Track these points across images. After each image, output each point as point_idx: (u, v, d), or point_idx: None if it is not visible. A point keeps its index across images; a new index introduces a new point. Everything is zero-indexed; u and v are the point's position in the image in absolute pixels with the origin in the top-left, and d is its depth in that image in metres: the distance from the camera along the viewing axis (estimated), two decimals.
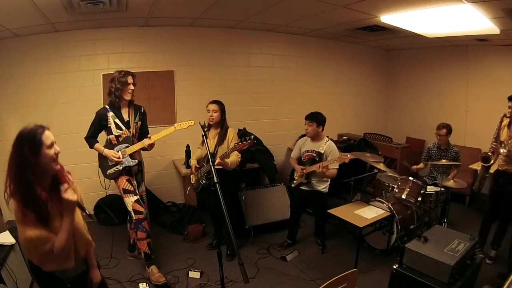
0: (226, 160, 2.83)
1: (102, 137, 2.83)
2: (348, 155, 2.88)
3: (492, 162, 2.91)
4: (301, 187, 3.24)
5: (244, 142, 2.65)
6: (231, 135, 3.05)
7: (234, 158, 2.94)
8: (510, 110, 2.81)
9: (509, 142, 2.77)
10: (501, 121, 2.92)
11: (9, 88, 3.59)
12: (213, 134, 3.07)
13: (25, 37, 3.51)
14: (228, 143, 3.00)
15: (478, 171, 3.22)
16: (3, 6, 2.57)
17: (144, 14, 3.40)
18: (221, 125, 3.06)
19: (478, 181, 3.15)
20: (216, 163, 2.76)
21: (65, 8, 2.84)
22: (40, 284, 1.51)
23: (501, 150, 2.76)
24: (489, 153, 2.90)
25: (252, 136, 2.83)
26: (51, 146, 1.32)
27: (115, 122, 2.71)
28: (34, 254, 1.37)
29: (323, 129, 3.18)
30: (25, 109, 3.68)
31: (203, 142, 3.12)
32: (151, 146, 2.73)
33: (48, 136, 1.31)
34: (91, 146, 2.77)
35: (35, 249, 1.34)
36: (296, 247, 3.40)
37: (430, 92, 5.34)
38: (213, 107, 3.00)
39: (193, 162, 3.21)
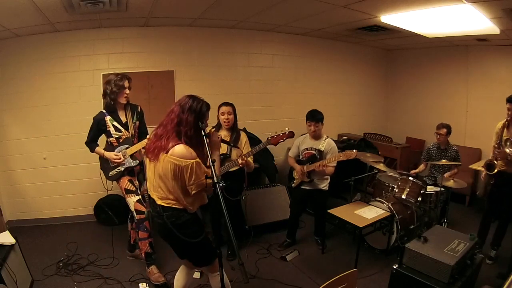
0: (249, 159, 2.82)
1: (103, 139, 2.83)
2: (354, 151, 2.86)
3: (496, 170, 2.88)
4: (301, 187, 3.24)
5: (281, 134, 2.70)
6: (244, 139, 2.98)
7: (251, 161, 2.90)
8: (509, 112, 2.80)
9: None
10: (503, 127, 2.86)
11: (9, 88, 3.59)
12: (224, 134, 2.96)
13: (25, 37, 3.50)
14: (242, 146, 2.92)
15: (482, 177, 3.21)
16: (3, 6, 2.57)
17: (144, 14, 3.40)
18: (234, 127, 2.99)
19: (483, 188, 3.17)
20: (240, 163, 2.75)
21: (65, 8, 2.84)
22: (188, 234, 1.88)
23: (507, 150, 2.70)
24: (494, 161, 2.86)
25: (287, 128, 2.76)
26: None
27: (113, 125, 2.72)
28: (198, 183, 1.81)
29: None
30: (25, 109, 3.68)
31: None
32: None
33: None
34: (92, 150, 2.79)
35: (200, 175, 1.81)
36: (296, 247, 3.40)
37: (430, 92, 5.34)
38: (228, 109, 2.91)
39: None
